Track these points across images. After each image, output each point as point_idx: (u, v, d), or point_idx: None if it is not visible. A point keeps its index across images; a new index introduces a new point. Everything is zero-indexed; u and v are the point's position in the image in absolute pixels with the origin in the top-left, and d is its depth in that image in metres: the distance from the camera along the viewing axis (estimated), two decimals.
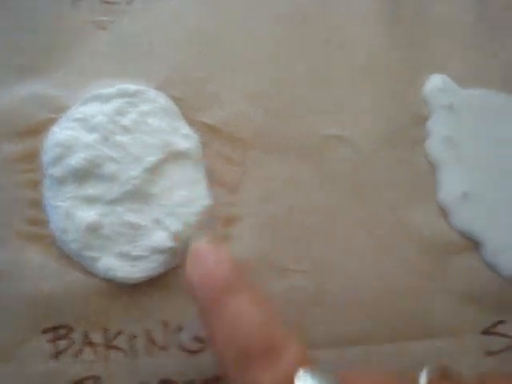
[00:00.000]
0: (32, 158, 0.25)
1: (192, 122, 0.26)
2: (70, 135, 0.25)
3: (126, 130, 0.25)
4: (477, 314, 0.26)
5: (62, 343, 0.24)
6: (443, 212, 0.27)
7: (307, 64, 0.28)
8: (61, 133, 0.25)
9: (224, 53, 0.27)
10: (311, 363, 0.17)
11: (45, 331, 0.24)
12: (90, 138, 0.25)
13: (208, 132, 0.26)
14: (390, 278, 0.26)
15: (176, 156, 0.25)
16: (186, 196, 0.25)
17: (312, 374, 0.16)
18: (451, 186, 0.27)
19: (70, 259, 0.24)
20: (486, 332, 0.26)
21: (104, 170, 0.24)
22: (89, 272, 0.24)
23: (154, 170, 0.25)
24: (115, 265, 0.24)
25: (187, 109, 0.26)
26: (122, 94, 0.26)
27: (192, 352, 0.24)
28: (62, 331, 0.24)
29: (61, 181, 0.24)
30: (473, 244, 0.27)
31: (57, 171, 0.24)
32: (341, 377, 0.17)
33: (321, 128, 0.27)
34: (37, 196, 0.25)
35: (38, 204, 0.25)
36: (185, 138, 0.26)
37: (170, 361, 0.24)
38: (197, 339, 0.24)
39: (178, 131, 0.26)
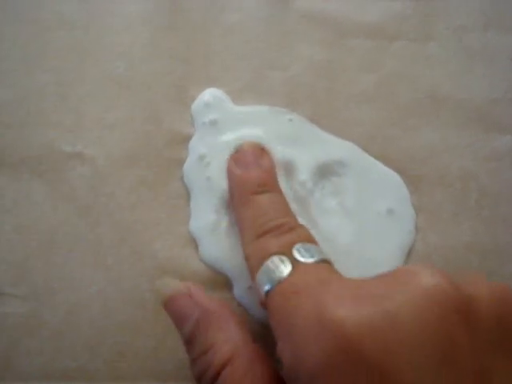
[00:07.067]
0: None
1: None
2: None
3: None
4: None
5: None
6: (193, 243, 0.24)
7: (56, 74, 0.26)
8: None
9: None
10: (312, 242, 0.20)
11: None
12: None
13: None
14: (115, 311, 0.23)
15: None
16: None
17: (308, 247, 0.19)
18: (202, 213, 0.24)
19: None
20: None
21: None
22: None
23: None
24: None
25: None
26: None
27: None
28: None
29: None
30: (225, 280, 0.24)
31: None
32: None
33: (60, 143, 0.25)
34: None
35: None
36: None
37: None
38: None
39: None
